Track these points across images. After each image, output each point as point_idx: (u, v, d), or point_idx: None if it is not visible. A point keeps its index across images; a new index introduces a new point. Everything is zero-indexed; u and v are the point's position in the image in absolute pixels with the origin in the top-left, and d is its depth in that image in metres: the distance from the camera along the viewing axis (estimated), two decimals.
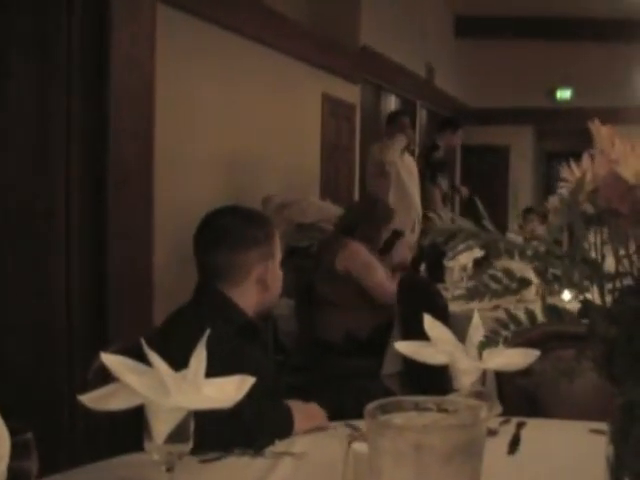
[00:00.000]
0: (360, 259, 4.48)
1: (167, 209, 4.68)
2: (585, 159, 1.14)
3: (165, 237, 4.61)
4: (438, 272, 5.47)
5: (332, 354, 4.38)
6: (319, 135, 7.47)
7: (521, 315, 1.17)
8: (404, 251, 4.86)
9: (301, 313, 4.65)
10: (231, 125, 5.74)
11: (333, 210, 5.99)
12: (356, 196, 8.35)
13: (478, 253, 4.09)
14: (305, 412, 2.00)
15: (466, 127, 12.21)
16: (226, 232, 2.24)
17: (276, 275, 2.32)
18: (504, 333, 1.16)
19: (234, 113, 5.76)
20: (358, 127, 8.35)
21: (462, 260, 4.90)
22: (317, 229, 5.65)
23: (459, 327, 2.08)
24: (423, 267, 5.63)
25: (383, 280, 4.49)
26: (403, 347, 1.98)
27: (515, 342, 1.17)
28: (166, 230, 4.64)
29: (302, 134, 7.12)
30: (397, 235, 5.18)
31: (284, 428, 1.92)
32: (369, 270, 4.47)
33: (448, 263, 5.08)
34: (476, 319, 2.04)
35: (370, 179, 7.41)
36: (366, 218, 4.66)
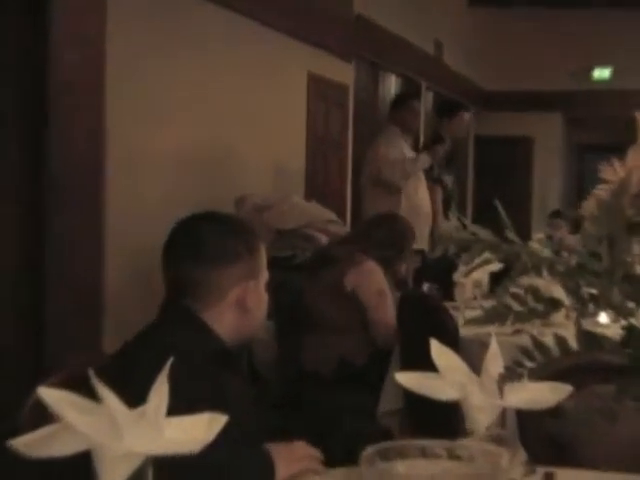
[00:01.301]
0: (375, 284, 4.48)
1: (121, 214, 4.66)
2: (631, 155, 1.13)
3: (119, 248, 4.59)
4: (446, 288, 5.47)
5: (320, 386, 4.37)
6: (304, 123, 7.46)
7: (549, 342, 1.17)
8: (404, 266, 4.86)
9: (284, 337, 4.64)
10: (198, 112, 5.73)
11: (320, 213, 5.99)
12: (349, 196, 8.35)
13: (495, 266, 4.06)
14: (289, 455, 1.99)
15: (481, 114, 12.27)
16: (200, 244, 2.28)
17: (259, 297, 2.35)
18: (528, 364, 1.16)
19: (201, 98, 5.75)
20: (351, 113, 8.35)
21: (476, 275, 4.89)
22: (301, 236, 5.65)
23: (472, 355, 2.02)
24: (426, 285, 5.57)
25: (392, 319, 4.46)
26: (404, 379, 1.96)
27: (542, 375, 1.16)
28: (120, 239, 4.62)
29: (284, 122, 7.12)
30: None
31: (263, 476, 1.92)
32: (381, 301, 4.46)
33: (459, 278, 5.07)
34: (494, 346, 2.02)
35: (371, 182, 7.41)
36: (391, 244, 4.68)
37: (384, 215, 5.36)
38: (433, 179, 7.79)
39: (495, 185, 11.23)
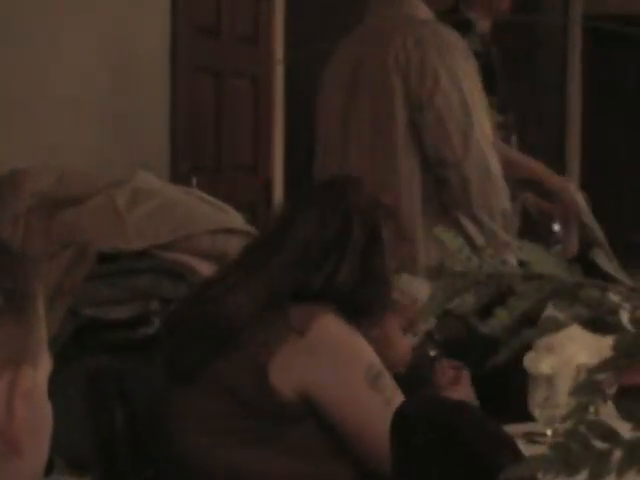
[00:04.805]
0: (353, 362, 2.04)
1: None
2: None
3: None
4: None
5: None
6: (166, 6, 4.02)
7: None
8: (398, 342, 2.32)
9: None
10: None
11: (208, 213, 2.97)
12: (280, 171, 4.74)
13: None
14: None
15: None
16: None
17: (33, 411, 0.93)
18: None
19: None
20: None
21: (579, 355, 2.13)
22: (159, 269, 2.79)
23: None
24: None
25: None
26: None
27: None
28: None
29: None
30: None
31: None
32: (372, 390, 2.02)
33: (535, 366, 2.39)
34: None
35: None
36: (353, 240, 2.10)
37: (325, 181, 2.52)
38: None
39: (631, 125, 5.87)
